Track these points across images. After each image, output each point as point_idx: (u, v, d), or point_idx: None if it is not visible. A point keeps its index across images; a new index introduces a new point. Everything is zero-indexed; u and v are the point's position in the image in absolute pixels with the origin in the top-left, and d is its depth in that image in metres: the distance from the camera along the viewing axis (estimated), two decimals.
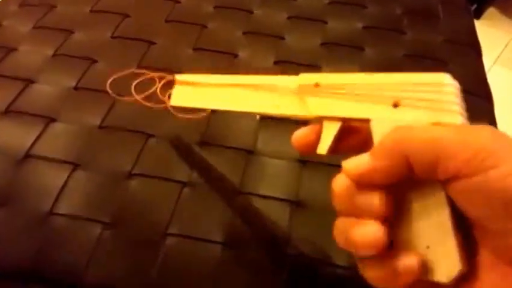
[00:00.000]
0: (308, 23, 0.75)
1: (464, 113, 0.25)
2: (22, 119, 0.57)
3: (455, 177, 0.22)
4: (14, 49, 0.67)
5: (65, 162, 0.52)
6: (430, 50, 0.71)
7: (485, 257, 0.23)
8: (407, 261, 0.24)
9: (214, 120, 0.57)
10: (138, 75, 0.62)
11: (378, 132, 0.26)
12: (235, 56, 0.67)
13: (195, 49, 0.68)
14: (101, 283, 0.44)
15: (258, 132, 0.56)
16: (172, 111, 0.58)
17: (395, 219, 0.25)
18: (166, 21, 0.73)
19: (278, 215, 0.48)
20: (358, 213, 0.25)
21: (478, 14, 1.91)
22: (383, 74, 0.27)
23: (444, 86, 0.25)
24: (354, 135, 0.30)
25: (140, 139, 0.55)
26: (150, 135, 0.55)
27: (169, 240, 0.46)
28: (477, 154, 0.21)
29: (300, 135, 0.30)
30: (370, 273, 0.25)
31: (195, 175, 0.51)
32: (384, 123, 0.26)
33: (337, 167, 0.27)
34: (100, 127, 0.56)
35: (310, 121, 0.31)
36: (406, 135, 0.24)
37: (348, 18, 0.76)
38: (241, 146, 0.55)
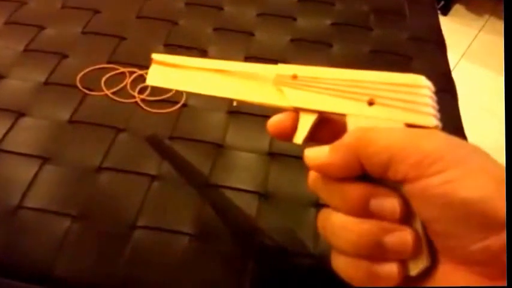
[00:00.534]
0: (277, 19, 0.76)
1: (438, 115, 0.25)
2: None
3: (404, 181, 0.23)
4: None
5: (34, 156, 0.52)
6: (395, 46, 0.73)
7: (440, 257, 0.24)
8: (388, 268, 0.24)
9: (184, 115, 0.58)
10: (108, 70, 0.63)
11: (353, 128, 0.27)
12: (206, 52, 0.68)
13: (165, 45, 0.69)
14: (69, 276, 0.44)
15: (227, 126, 0.57)
16: (142, 105, 0.58)
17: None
18: (138, 17, 0.73)
19: (246, 206, 0.49)
20: (331, 203, 0.26)
21: (446, 11, 1.95)
22: (360, 71, 0.28)
23: (420, 88, 0.25)
24: (330, 125, 0.30)
25: (110, 133, 0.55)
26: (120, 130, 0.56)
27: (138, 233, 0.47)
28: (424, 159, 0.22)
29: (275, 121, 0.30)
30: (346, 272, 0.25)
31: (164, 168, 0.52)
32: (358, 120, 0.27)
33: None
34: (70, 121, 0.56)
35: (283, 110, 0.31)
36: (363, 136, 0.25)
37: (316, 15, 0.77)
38: (210, 140, 0.55)
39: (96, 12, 0.73)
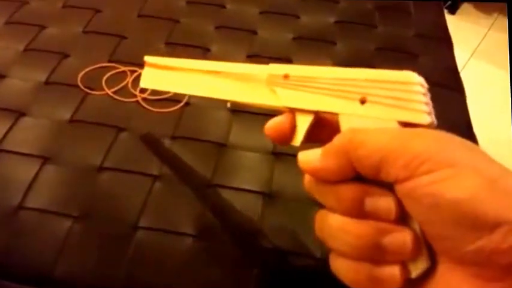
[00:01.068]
0: (280, 17, 0.75)
1: (432, 112, 0.25)
2: None
3: (395, 182, 0.22)
4: None
5: (35, 156, 0.52)
6: (401, 43, 0.72)
7: (438, 258, 0.23)
8: (390, 270, 0.23)
9: (187, 114, 0.57)
10: (109, 69, 0.62)
11: (345, 127, 0.27)
12: (208, 50, 0.67)
13: (167, 43, 0.68)
14: (70, 277, 0.43)
15: (230, 125, 0.57)
16: (143, 104, 0.58)
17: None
18: (139, 15, 0.73)
19: (250, 207, 0.49)
20: (327, 204, 0.26)
21: (453, 10, 1.94)
22: (352, 69, 0.27)
23: (412, 85, 0.25)
24: (328, 126, 0.29)
25: (111, 133, 0.55)
26: (121, 129, 0.55)
27: (140, 233, 0.46)
28: (413, 160, 0.21)
29: (273, 124, 0.30)
30: (347, 276, 0.25)
31: (166, 168, 0.52)
32: (350, 119, 0.26)
33: None
34: (70, 121, 0.56)
35: (279, 111, 0.31)
36: (353, 138, 0.24)
37: (319, 13, 0.76)
38: (213, 139, 0.55)
39: (97, 11, 0.73)
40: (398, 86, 0.25)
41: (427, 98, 0.25)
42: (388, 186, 0.23)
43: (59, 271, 0.43)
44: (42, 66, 0.63)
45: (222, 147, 0.54)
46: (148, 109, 0.57)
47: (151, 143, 0.55)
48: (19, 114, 0.56)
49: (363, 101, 0.26)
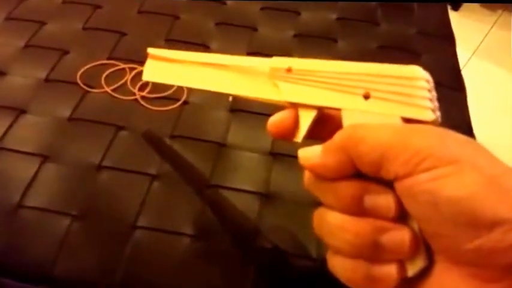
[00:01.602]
0: (281, 14, 0.75)
1: (437, 108, 0.25)
2: None
3: (395, 179, 0.22)
4: None
5: (35, 154, 0.52)
6: (403, 41, 0.72)
7: (435, 257, 0.23)
8: (386, 269, 0.23)
9: (186, 112, 0.57)
10: (109, 66, 0.62)
11: (348, 123, 0.26)
12: (208, 47, 0.67)
13: (167, 40, 0.68)
14: (69, 276, 0.44)
15: (229, 125, 0.56)
16: (142, 103, 0.58)
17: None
18: (139, 12, 0.72)
19: (248, 207, 0.49)
20: (326, 202, 0.25)
21: (457, 6, 1.92)
22: (356, 63, 0.27)
23: (416, 80, 0.24)
24: (329, 123, 0.29)
25: (110, 131, 0.55)
26: (121, 128, 0.55)
27: (138, 233, 0.46)
28: (414, 156, 0.21)
29: (276, 120, 0.29)
30: (344, 274, 0.25)
31: (165, 168, 0.51)
32: (353, 114, 0.26)
33: None
34: (70, 119, 0.56)
35: (281, 105, 0.30)
36: (353, 134, 0.24)
37: (321, 10, 0.76)
38: (212, 139, 0.55)
39: (97, 7, 0.73)
40: (403, 81, 0.25)
41: (431, 94, 0.25)
42: (388, 185, 0.23)
43: (58, 269, 0.44)
44: (42, 63, 0.63)
45: (220, 146, 0.54)
46: (147, 107, 0.57)
47: (152, 140, 0.55)
48: (19, 111, 0.56)
49: (366, 96, 0.26)
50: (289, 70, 0.29)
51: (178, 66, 0.38)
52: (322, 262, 0.44)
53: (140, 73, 0.60)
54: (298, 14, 0.75)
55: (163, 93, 0.58)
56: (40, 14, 0.71)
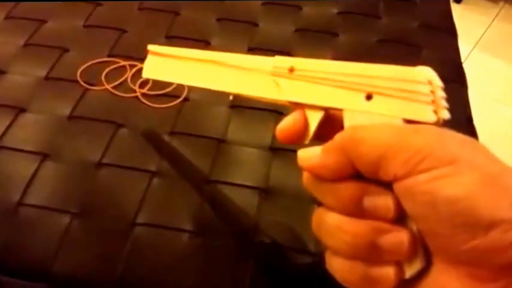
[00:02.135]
0: (282, 8, 0.74)
1: (444, 107, 0.24)
2: None
3: (394, 180, 0.22)
4: None
5: (35, 153, 0.52)
6: (405, 35, 0.71)
7: (433, 258, 0.23)
8: (384, 271, 0.23)
9: (186, 109, 0.57)
10: (109, 63, 0.62)
11: (349, 123, 0.26)
12: (208, 43, 0.67)
13: (167, 37, 0.67)
14: (69, 273, 0.44)
15: (229, 121, 0.56)
16: (142, 100, 0.57)
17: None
18: (139, 9, 0.72)
19: (247, 203, 0.48)
20: (325, 202, 0.25)
21: None
22: (358, 64, 0.27)
23: (419, 81, 0.24)
24: (331, 124, 0.29)
25: (110, 129, 0.54)
26: (120, 125, 0.55)
27: (138, 230, 0.46)
28: (413, 156, 0.21)
29: (286, 125, 0.29)
30: (342, 275, 0.25)
31: (164, 164, 0.51)
32: (355, 115, 0.26)
33: None
34: (70, 117, 0.56)
35: (283, 105, 0.30)
36: (353, 135, 0.24)
37: (322, 4, 0.75)
38: (212, 135, 0.55)
39: (98, 4, 0.72)
40: (405, 83, 0.25)
41: (436, 95, 0.24)
42: (387, 186, 0.23)
43: (58, 267, 0.44)
44: (42, 61, 0.63)
45: (220, 142, 0.54)
46: (147, 104, 0.57)
47: (152, 137, 0.54)
48: (19, 110, 0.56)
49: (369, 97, 0.26)
50: (291, 70, 0.29)
51: (178, 64, 0.38)
52: (321, 257, 0.44)
53: (141, 70, 0.60)
54: (300, 8, 0.74)
55: (163, 90, 0.58)
56: (40, 12, 0.71)
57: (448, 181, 0.20)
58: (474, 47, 1.73)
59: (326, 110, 0.28)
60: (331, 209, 0.25)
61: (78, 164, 0.51)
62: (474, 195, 0.20)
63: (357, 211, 0.24)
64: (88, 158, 0.52)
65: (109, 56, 0.63)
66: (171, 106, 0.57)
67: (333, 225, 0.24)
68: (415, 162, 0.21)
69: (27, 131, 0.54)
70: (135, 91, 0.58)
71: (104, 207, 0.48)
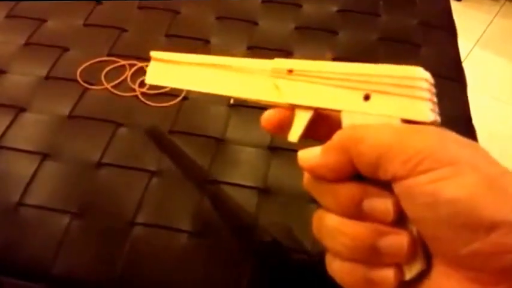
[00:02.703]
0: (282, 6, 0.74)
1: (436, 109, 0.24)
2: None
3: (393, 180, 0.22)
4: None
5: (34, 152, 0.52)
6: (404, 33, 0.71)
7: (433, 260, 0.23)
8: (384, 273, 0.23)
9: (185, 108, 0.57)
10: (109, 63, 0.62)
11: (347, 124, 0.26)
12: (208, 42, 0.67)
13: (167, 35, 0.68)
14: (68, 273, 0.44)
15: (228, 120, 0.56)
16: (142, 99, 0.57)
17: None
18: (139, 8, 0.72)
19: (246, 202, 0.49)
20: (325, 204, 0.25)
21: None
22: (357, 64, 0.27)
23: (416, 81, 0.24)
24: (326, 122, 0.29)
25: (109, 128, 0.55)
26: (120, 125, 0.55)
27: (137, 230, 0.46)
28: (413, 157, 0.21)
29: (269, 115, 0.30)
30: (341, 277, 0.25)
31: (164, 164, 0.51)
32: (353, 116, 0.26)
33: None
34: (70, 116, 0.56)
35: (283, 107, 0.30)
36: (353, 135, 0.24)
37: (321, 2, 0.75)
38: (211, 134, 0.55)
39: (98, 3, 0.72)
40: (403, 82, 0.25)
41: (432, 95, 0.24)
42: (387, 187, 0.23)
43: (58, 267, 0.44)
44: (42, 61, 0.63)
45: (219, 142, 0.54)
46: (147, 104, 0.57)
47: (155, 136, 0.55)
48: (19, 109, 0.56)
49: (367, 97, 0.26)
50: (290, 71, 0.29)
51: (180, 69, 0.38)
52: (320, 257, 0.44)
53: (140, 69, 0.61)
54: (300, 6, 0.74)
55: (163, 89, 0.58)
56: (40, 12, 0.71)
57: (448, 182, 0.20)
58: (475, 44, 1.72)
59: (316, 109, 0.28)
60: (331, 210, 0.25)
61: (78, 164, 0.51)
62: (475, 197, 0.20)
63: (356, 213, 0.24)
64: (88, 157, 0.52)
65: (109, 55, 0.64)
66: (170, 105, 0.57)
67: (332, 227, 0.24)
68: (415, 163, 0.21)
69: (27, 130, 0.54)
70: (134, 90, 0.58)
71: (103, 207, 0.48)
